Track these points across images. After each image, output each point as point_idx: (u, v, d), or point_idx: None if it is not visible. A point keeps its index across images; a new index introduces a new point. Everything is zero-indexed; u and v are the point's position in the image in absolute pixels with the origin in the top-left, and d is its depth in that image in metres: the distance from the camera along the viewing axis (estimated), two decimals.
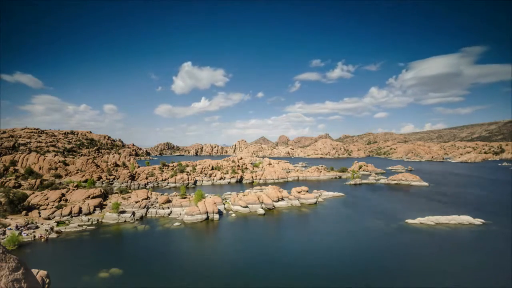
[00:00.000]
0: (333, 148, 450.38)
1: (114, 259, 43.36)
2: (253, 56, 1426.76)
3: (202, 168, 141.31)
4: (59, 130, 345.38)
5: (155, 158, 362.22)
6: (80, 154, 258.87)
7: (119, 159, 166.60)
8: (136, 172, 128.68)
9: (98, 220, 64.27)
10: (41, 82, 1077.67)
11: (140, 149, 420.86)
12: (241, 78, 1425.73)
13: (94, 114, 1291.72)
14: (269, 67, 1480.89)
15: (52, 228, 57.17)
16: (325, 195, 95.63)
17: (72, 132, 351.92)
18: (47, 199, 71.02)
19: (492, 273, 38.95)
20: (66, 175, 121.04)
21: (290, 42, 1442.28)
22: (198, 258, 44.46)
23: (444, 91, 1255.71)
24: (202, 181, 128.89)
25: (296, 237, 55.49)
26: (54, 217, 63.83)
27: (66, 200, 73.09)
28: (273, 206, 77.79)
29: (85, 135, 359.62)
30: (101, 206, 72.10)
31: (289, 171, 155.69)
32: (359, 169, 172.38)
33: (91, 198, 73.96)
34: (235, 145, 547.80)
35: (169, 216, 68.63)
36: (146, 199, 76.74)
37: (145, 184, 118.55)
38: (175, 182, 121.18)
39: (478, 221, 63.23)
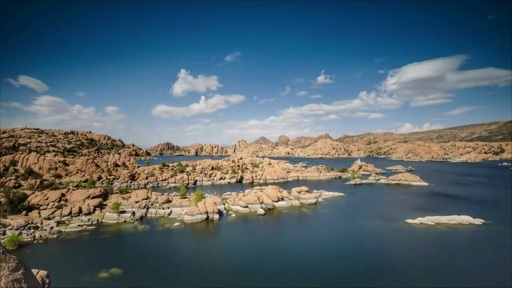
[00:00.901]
0: (333, 148, 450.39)
1: (114, 259, 43.33)
2: (249, 61, 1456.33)
3: (202, 168, 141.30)
4: (59, 130, 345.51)
5: (155, 158, 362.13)
6: (80, 154, 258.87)
7: (119, 159, 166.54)
8: (136, 172, 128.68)
9: (98, 220, 64.26)
10: (45, 84, 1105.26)
11: (140, 149, 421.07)
12: (239, 80, 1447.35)
13: (96, 115, 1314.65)
14: (264, 73, 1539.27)
15: (52, 228, 57.20)
16: (325, 195, 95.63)
17: (72, 132, 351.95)
18: (47, 199, 71.02)
19: (492, 273, 38.96)
20: (66, 175, 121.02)
21: (275, 59, 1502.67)
22: (198, 258, 44.44)
23: (427, 95, 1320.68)
24: (202, 181, 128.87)
25: (296, 237, 55.49)
26: (54, 217, 63.81)
27: (66, 200, 73.08)
28: (273, 206, 77.79)
29: (85, 135, 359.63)
30: (101, 206, 72.08)
31: (289, 171, 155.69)
32: (359, 169, 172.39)
33: (91, 198, 73.94)
34: (235, 145, 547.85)
35: (169, 216, 68.62)
36: (146, 199, 76.73)
37: (145, 184, 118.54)
38: (175, 182, 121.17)
39: (478, 221, 63.22)
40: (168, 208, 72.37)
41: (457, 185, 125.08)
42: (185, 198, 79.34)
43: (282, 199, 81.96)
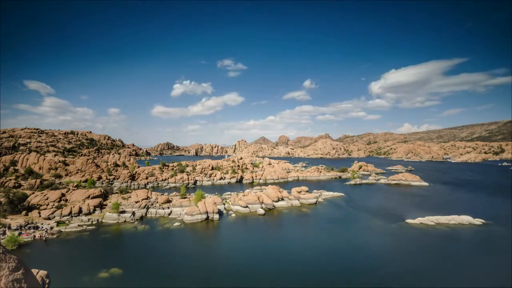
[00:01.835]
0: (333, 148, 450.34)
1: (114, 259, 43.33)
2: (247, 63, 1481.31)
3: (202, 168, 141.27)
4: (59, 130, 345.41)
5: (155, 158, 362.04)
6: (80, 154, 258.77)
7: (119, 159, 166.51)
8: (136, 172, 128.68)
9: (98, 220, 64.25)
10: (49, 87, 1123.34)
11: (140, 149, 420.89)
12: (238, 81, 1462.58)
13: (98, 116, 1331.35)
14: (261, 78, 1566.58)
15: (52, 228, 57.19)
16: (325, 195, 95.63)
17: (72, 132, 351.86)
18: (47, 199, 71.02)
19: (492, 273, 38.95)
20: (66, 175, 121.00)
21: (273, 60, 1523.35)
22: (198, 258, 44.43)
23: (411, 99, 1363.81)
24: (202, 181, 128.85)
25: (296, 237, 55.47)
26: (54, 217, 63.82)
27: (66, 200, 73.08)
28: (273, 206, 77.78)
29: (85, 135, 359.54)
30: (101, 206, 72.08)
31: (289, 171, 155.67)
32: (359, 169, 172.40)
33: (91, 198, 73.94)
34: (235, 145, 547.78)
35: (169, 216, 68.61)
36: (146, 199, 76.73)
37: (145, 184, 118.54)
38: (175, 182, 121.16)
39: (478, 221, 63.21)
40: (168, 208, 72.37)
41: (457, 185, 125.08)
42: (185, 198, 79.34)
43: (282, 199, 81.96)
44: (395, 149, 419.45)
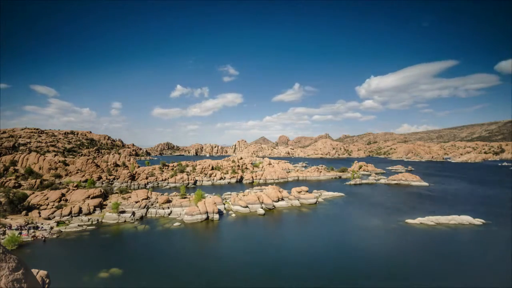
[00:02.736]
0: (333, 148, 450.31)
1: (114, 259, 43.32)
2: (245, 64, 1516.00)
3: (202, 168, 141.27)
4: (59, 130, 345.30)
5: (155, 158, 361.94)
6: (80, 154, 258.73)
7: (119, 159, 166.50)
8: (136, 172, 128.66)
9: (98, 220, 64.24)
10: (52, 89, 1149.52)
11: (140, 149, 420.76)
12: (237, 82, 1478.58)
13: (100, 117, 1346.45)
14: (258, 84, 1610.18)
15: (52, 228, 57.18)
16: (325, 195, 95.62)
17: (72, 132, 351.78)
18: (47, 199, 71.01)
19: (492, 273, 38.95)
20: (66, 175, 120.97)
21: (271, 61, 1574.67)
22: (198, 258, 44.42)
23: (399, 102, 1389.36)
24: (202, 181, 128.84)
25: (296, 237, 55.49)
26: (54, 217, 63.80)
27: (66, 200, 73.07)
28: (273, 206, 77.78)
29: (85, 135, 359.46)
30: (101, 206, 72.07)
31: (289, 171, 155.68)
32: (359, 169, 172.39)
33: (91, 198, 73.92)
34: (235, 145, 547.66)
35: (169, 216, 68.61)
36: (146, 199, 76.73)
37: (145, 184, 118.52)
38: (175, 182, 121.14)
39: (478, 221, 63.22)
40: (168, 208, 72.37)
41: (457, 185, 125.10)
42: (185, 198, 79.32)
43: (282, 199, 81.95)
44: (395, 149, 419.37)
